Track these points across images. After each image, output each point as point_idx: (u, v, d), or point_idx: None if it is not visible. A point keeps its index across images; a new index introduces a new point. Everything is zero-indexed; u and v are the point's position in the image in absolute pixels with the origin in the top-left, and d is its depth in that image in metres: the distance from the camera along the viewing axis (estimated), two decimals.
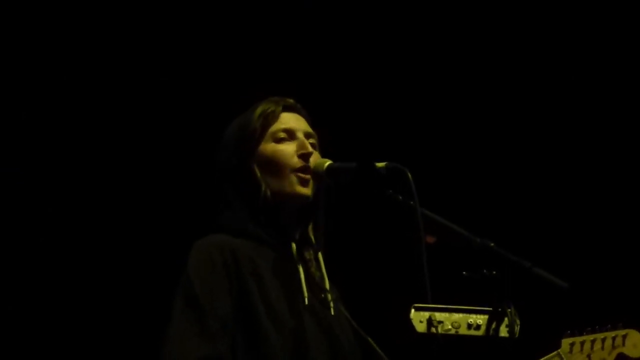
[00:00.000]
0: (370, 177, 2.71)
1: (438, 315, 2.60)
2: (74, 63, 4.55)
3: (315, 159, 2.92)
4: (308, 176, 2.90)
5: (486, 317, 2.56)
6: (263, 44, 4.73)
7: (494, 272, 2.49)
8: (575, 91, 4.96)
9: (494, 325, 2.54)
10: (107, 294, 4.52)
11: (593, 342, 3.34)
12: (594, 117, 4.96)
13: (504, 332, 2.53)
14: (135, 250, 4.55)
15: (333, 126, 3.07)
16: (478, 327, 2.59)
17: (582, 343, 3.34)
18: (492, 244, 2.54)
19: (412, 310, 2.58)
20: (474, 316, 2.60)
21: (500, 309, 2.52)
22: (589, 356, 3.34)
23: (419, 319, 2.59)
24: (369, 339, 2.89)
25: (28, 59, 4.50)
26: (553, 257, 3.01)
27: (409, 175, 2.63)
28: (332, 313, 2.89)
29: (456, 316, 2.61)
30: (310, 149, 2.93)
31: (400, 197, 2.67)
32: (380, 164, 2.71)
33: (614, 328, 3.37)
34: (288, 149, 2.93)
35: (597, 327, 3.37)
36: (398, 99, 4.90)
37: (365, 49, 4.87)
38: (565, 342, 3.33)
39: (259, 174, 2.90)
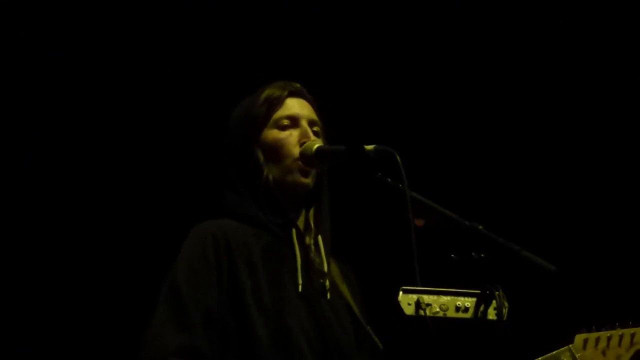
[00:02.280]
0: (359, 160, 2.71)
1: (426, 298, 2.60)
2: (63, 52, 4.54)
3: (313, 141, 2.90)
4: (308, 168, 2.89)
5: (474, 299, 2.56)
6: (261, 30, 4.72)
7: (483, 255, 2.49)
8: (563, 77, 4.96)
9: (482, 308, 2.55)
10: (106, 286, 4.50)
11: (609, 338, 3.20)
12: (581, 103, 4.96)
13: (492, 314, 2.54)
14: (135, 234, 4.55)
15: (327, 111, 3.05)
16: (466, 309, 2.59)
17: (597, 339, 3.22)
18: (481, 227, 2.55)
19: (400, 293, 2.57)
20: (462, 299, 2.60)
21: (488, 292, 2.53)
22: (603, 352, 3.22)
23: (407, 301, 2.59)
24: (365, 325, 2.90)
25: (21, 57, 4.48)
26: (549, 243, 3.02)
27: (398, 158, 2.63)
28: (328, 297, 2.89)
29: (444, 299, 2.60)
30: (312, 137, 2.92)
31: (390, 180, 2.67)
32: (369, 147, 2.70)
33: (635, 325, 3.27)
34: (290, 138, 2.92)
35: (616, 324, 3.27)
36: (387, 83, 4.88)
37: (359, 34, 4.86)
38: (579, 338, 3.21)
39: (261, 159, 2.89)
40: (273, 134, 2.92)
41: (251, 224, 2.85)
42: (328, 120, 3.03)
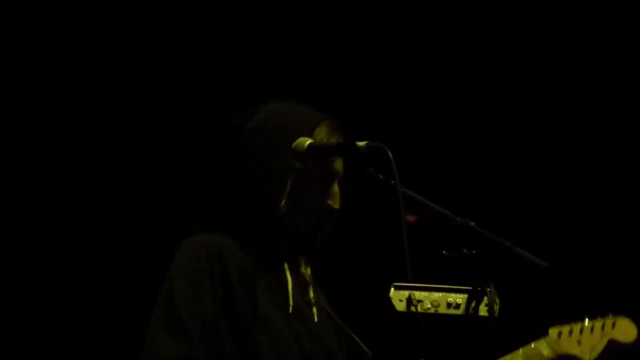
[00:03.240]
0: (351, 156, 2.71)
1: (417, 294, 2.60)
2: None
3: (304, 138, 2.80)
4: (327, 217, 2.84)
5: (466, 296, 2.57)
6: (254, 26, 4.71)
7: (474, 251, 2.49)
8: (548, 71, 4.96)
9: (473, 304, 2.55)
10: (106, 286, 4.50)
11: (582, 329, 3.34)
12: (567, 95, 4.97)
13: (483, 311, 2.55)
14: (131, 242, 4.54)
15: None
16: (457, 306, 2.59)
17: (571, 331, 3.34)
18: (473, 223, 2.54)
19: (392, 289, 2.58)
20: (453, 295, 2.60)
21: (479, 288, 2.53)
22: (578, 342, 3.34)
23: (398, 297, 2.59)
24: (353, 334, 2.90)
25: (21, 57, 4.48)
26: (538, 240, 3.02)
27: (390, 154, 2.62)
28: (316, 320, 2.86)
29: (436, 295, 2.61)
30: (337, 204, 2.85)
31: (381, 176, 2.66)
32: (361, 143, 2.69)
33: (603, 316, 3.38)
34: (320, 192, 2.83)
35: (585, 317, 3.38)
36: (379, 79, 4.88)
37: (353, 30, 4.85)
38: (553, 331, 3.32)
39: (288, 187, 2.80)
40: (309, 180, 2.82)
41: (245, 240, 2.81)
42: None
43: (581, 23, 4.87)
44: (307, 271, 2.91)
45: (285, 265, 2.84)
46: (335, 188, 2.86)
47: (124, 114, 4.59)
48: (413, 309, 2.58)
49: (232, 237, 2.81)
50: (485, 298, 2.53)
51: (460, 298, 2.60)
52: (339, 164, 2.87)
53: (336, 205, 2.84)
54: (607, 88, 4.91)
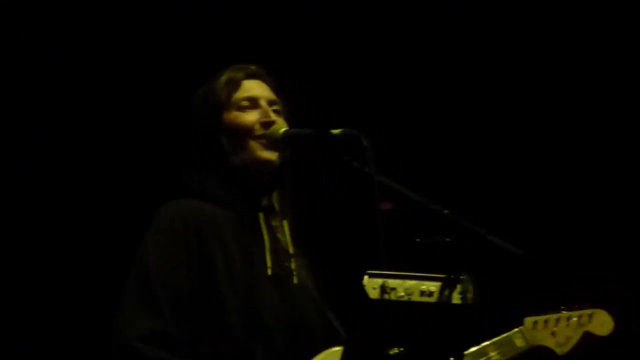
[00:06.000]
0: (326, 143, 2.71)
1: (391, 282, 2.59)
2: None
3: (279, 125, 2.92)
4: (268, 144, 2.90)
5: (439, 284, 2.57)
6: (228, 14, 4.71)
7: (448, 239, 2.50)
8: (528, 62, 4.98)
9: (446, 292, 2.55)
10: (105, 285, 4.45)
11: (557, 320, 3.37)
12: (544, 86, 4.99)
13: (456, 299, 2.55)
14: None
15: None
16: (431, 293, 2.59)
17: (546, 321, 3.37)
18: (447, 211, 2.55)
19: (366, 277, 2.57)
20: (427, 283, 2.60)
21: (453, 276, 2.54)
22: (553, 333, 3.36)
23: (372, 285, 2.59)
24: (328, 311, 2.91)
25: (21, 57, 4.44)
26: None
27: (365, 141, 2.63)
28: (295, 282, 2.90)
29: (409, 283, 2.60)
30: (272, 116, 2.94)
31: (356, 163, 2.67)
32: (335, 130, 2.70)
33: (581, 308, 3.41)
34: (250, 117, 2.94)
35: (562, 307, 3.40)
36: (358, 66, 4.88)
37: (334, 20, 4.85)
38: (528, 321, 3.35)
39: (225, 142, 2.91)
40: (233, 115, 2.96)
41: (218, 203, 2.85)
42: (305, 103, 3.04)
43: (581, 23, 4.90)
44: (285, 229, 2.93)
45: (262, 224, 2.88)
46: (263, 109, 2.95)
47: (124, 114, 4.56)
48: (386, 296, 2.58)
49: (208, 200, 2.86)
50: (459, 286, 2.54)
51: (433, 286, 2.60)
52: (257, 89, 2.98)
53: (267, 119, 2.91)
54: (579, 79, 4.94)
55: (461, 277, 2.54)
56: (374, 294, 2.59)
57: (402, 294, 2.61)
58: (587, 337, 3.40)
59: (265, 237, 2.87)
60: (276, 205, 2.97)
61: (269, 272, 2.83)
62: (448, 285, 2.56)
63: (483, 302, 2.56)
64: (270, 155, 2.90)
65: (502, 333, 3.32)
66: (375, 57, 4.90)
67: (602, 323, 3.40)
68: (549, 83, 4.97)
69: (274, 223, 2.94)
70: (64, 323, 4.44)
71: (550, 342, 3.36)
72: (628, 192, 4.86)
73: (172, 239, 2.75)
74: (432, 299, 2.60)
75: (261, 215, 2.91)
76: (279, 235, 2.93)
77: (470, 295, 2.55)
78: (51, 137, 4.50)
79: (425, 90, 4.91)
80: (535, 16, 4.93)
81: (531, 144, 4.92)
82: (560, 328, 3.37)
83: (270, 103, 2.99)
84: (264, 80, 3.05)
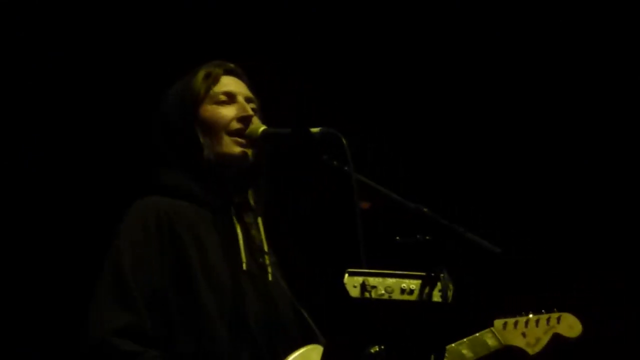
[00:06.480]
0: (305, 142, 2.71)
1: (371, 280, 2.59)
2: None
3: (255, 123, 2.92)
4: (244, 140, 2.90)
5: (419, 282, 2.57)
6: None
7: (427, 237, 2.50)
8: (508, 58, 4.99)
9: (427, 290, 2.56)
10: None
11: (527, 322, 3.44)
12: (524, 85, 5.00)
13: (436, 297, 2.55)
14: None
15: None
16: (411, 292, 2.59)
17: (516, 323, 3.45)
18: (426, 209, 2.56)
19: (346, 275, 2.57)
20: (407, 281, 2.60)
21: (433, 274, 2.54)
22: (523, 334, 3.43)
23: (352, 283, 2.58)
24: (302, 309, 2.92)
25: (21, 57, 4.43)
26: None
27: (344, 140, 2.64)
28: (270, 279, 2.90)
29: (390, 281, 2.60)
30: (250, 112, 2.94)
31: (335, 163, 2.67)
32: (314, 129, 2.71)
33: (548, 311, 3.47)
34: (227, 112, 2.95)
35: (529, 311, 3.47)
36: (341, 67, 4.88)
37: (329, 18, 4.86)
38: (498, 322, 3.43)
39: (200, 136, 2.91)
40: (210, 109, 2.96)
41: (191, 200, 2.85)
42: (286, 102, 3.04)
43: (581, 23, 4.90)
44: (260, 226, 2.94)
45: (235, 220, 2.89)
46: (240, 104, 2.96)
47: (124, 113, 4.55)
48: (367, 294, 2.58)
49: (180, 197, 2.85)
50: (439, 284, 2.54)
51: (414, 284, 2.60)
52: (235, 85, 2.99)
53: (245, 114, 2.92)
54: (573, 76, 4.95)
55: (441, 275, 2.54)
56: (354, 292, 2.59)
57: (383, 292, 2.61)
58: (558, 338, 3.46)
59: (239, 233, 2.87)
60: (251, 202, 2.97)
61: (244, 267, 2.83)
62: (428, 283, 2.56)
63: (461, 300, 2.57)
64: (240, 152, 2.90)
65: (471, 332, 3.36)
66: (363, 56, 4.91)
67: (570, 325, 3.48)
68: (540, 78, 4.98)
69: (247, 220, 2.94)
70: (64, 323, 4.42)
71: (520, 342, 3.43)
72: (615, 193, 4.88)
73: (145, 235, 2.75)
74: (413, 297, 2.60)
75: (234, 211, 2.91)
76: (253, 232, 2.93)
77: (450, 293, 2.55)
78: (51, 137, 4.49)
79: (406, 89, 4.92)
80: (533, 17, 4.94)
81: (519, 144, 4.93)
82: (529, 329, 3.44)
83: (248, 100, 3.00)
84: (241, 79, 3.06)
